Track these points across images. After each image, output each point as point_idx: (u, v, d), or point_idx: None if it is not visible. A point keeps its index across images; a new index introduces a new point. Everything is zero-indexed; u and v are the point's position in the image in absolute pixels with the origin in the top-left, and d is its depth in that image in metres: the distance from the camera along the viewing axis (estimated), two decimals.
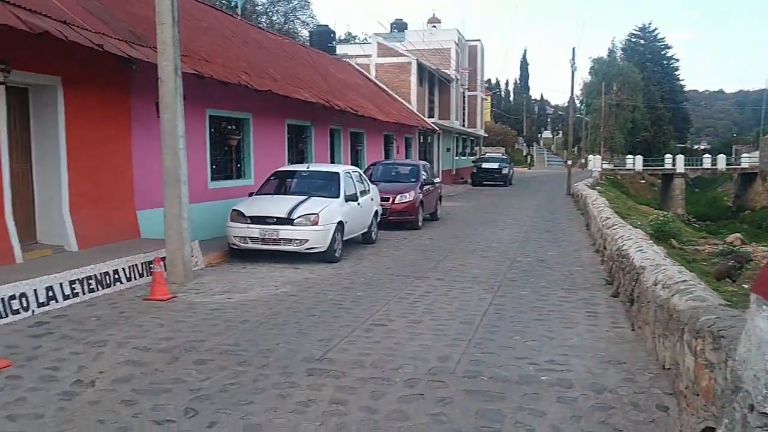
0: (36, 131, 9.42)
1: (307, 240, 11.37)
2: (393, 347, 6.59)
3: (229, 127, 14.45)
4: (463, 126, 45.87)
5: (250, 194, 12.91)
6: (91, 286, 8.42)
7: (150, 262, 9.65)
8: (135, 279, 9.33)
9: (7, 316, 7.02)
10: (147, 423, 4.75)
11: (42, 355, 6.12)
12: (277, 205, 11.83)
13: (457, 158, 42.82)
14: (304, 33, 47.14)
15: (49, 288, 7.68)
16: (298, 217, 11.45)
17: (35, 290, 7.46)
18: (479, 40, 49.01)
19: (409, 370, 5.94)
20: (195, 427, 4.72)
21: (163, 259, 9.47)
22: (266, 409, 5.06)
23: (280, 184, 13.22)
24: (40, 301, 7.51)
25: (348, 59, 32.43)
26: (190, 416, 4.89)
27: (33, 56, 8.69)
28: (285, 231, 11.34)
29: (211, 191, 13.61)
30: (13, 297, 7.12)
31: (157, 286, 8.52)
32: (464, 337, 7.01)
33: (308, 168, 13.65)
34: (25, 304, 7.28)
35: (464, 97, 46.47)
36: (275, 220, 11.44)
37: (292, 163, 17.16)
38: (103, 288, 8.64)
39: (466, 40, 46.11)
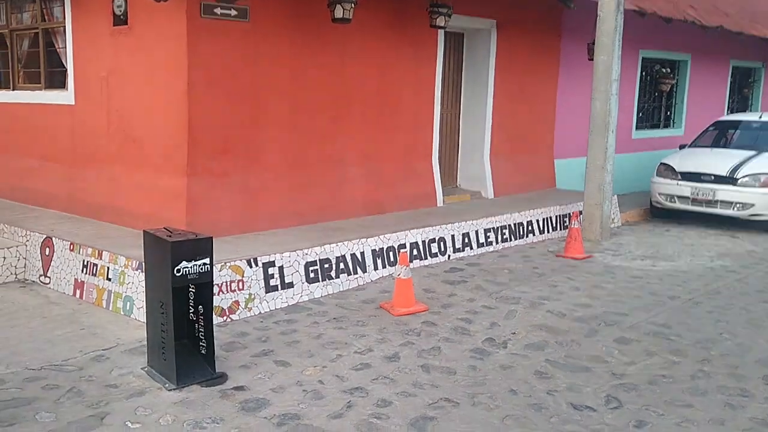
0: (467, 75, 9.44)
1: (752, 205, 9.41)
2: None
3: (663, 70, 12.82)
4: None
5: (681, 147, 11.29)
6: (504, 236, 8.15)
7: (564, 216, 9.05)
8: (547, 232, 8.82)
9: (426, 258, 7.13)
10: (563, 405, 4.09)
11: (455, 304, 5.96)
12: (717, 160, 10.02)
13: None
14: None
15: (465, 234, 7.60)
16: (744, 176, 9.51)
17: (452, 235, 7.44)
18: None
19: None
20: (619, 422, 3.88)
21: (580, 213, 8.74)
22: (709, 419, 3.95)
23: (719, 136, 11.23)
24: (456, 246, 7.48)
25: None
26: (612, 407, 4.08)
27: (471, 0, 8.62)
28: (724, 192, 9.55)
29: (635, 142, 12.34)
30: (432, 240, 7.20)
31: (573, 243, 7.83)
32: None
33: (760, 118, 11.28)
34: (442, 249, 7.31)
35: None
36: (713, 178, 9.72)
37: (732, 112, 14.71)
38: (515, 239, 8.31)
39: None
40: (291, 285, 5.76)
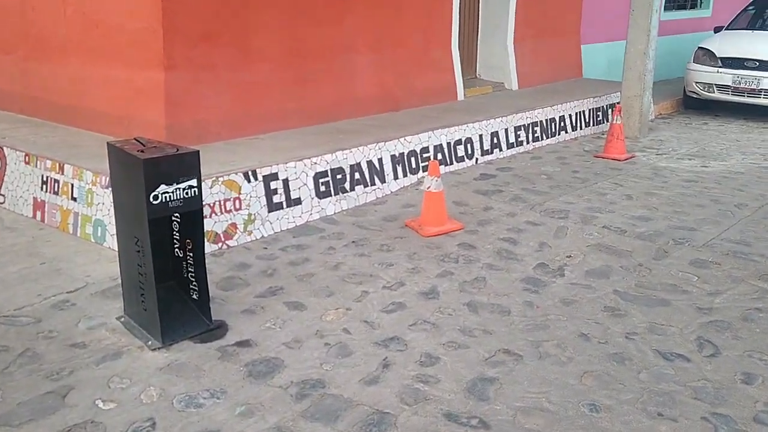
0: None
1: None
2: None
3: None
4: None
5: (716, 29, 10.10)
6: (536, 134, 7.14)
7: (597, 110, 8.03)
8: (580, 129, 7.82)
9: (451, 163, 6.13)
10: (649, 353, 3.26)
11: (494, 220, 5.03)
12: (762, 44, 8.91)
13: None
14: None
15: (494, 134, 6.58)
16: None
17: (480, 135, 6.42)
18: None
19: None
20: (722, 376, 3.08)
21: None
22: None
23: (757, 16, 10.03)
24: (485, 148, 6.48)
25: None
26: (708, 354, 3.26)
27: None
28: None
29: (662, 24, 11.01)
30: (458, 142, 6.17)
31: (614, 141, 6.83)
32: None
33: None
34: (469, 151, 6.31)
35: None
36: (757, 64, 8.69)
37: None
38: (547, 137, 7.31)
39: None
40: (298, 201, 4.78)
